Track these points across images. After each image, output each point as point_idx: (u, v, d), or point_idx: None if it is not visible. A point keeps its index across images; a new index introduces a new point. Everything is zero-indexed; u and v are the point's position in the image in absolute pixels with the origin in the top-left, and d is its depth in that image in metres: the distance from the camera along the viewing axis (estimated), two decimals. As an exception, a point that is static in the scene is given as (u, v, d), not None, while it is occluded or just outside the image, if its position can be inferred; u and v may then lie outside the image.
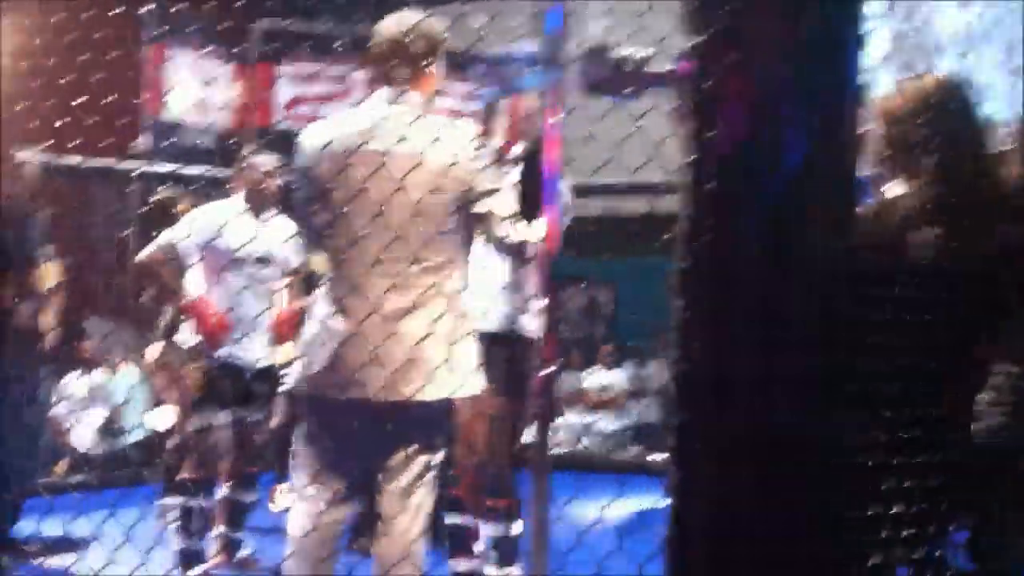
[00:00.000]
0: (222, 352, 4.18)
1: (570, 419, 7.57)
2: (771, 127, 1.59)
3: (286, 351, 4.27)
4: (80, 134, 3.96)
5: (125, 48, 3.62)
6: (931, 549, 2.15)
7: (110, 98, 2.87)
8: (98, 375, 6.35)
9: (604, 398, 7.68)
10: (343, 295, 2.58)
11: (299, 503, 2.72)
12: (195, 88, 5.79)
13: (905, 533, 1.98)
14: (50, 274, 4.23)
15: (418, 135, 2.55)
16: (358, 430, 2.59)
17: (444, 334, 2.53)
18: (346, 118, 2.75)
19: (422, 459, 2.63)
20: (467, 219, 2.65)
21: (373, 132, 2.60)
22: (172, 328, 4.78)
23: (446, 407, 2.63)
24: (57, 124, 3.25)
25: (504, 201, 2.59)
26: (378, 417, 2.57)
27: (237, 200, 4.34)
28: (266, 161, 4.32)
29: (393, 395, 2.52)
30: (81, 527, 4.37)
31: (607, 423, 7.74)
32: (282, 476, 5.74)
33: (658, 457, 7.22)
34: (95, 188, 6.57)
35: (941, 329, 2.08)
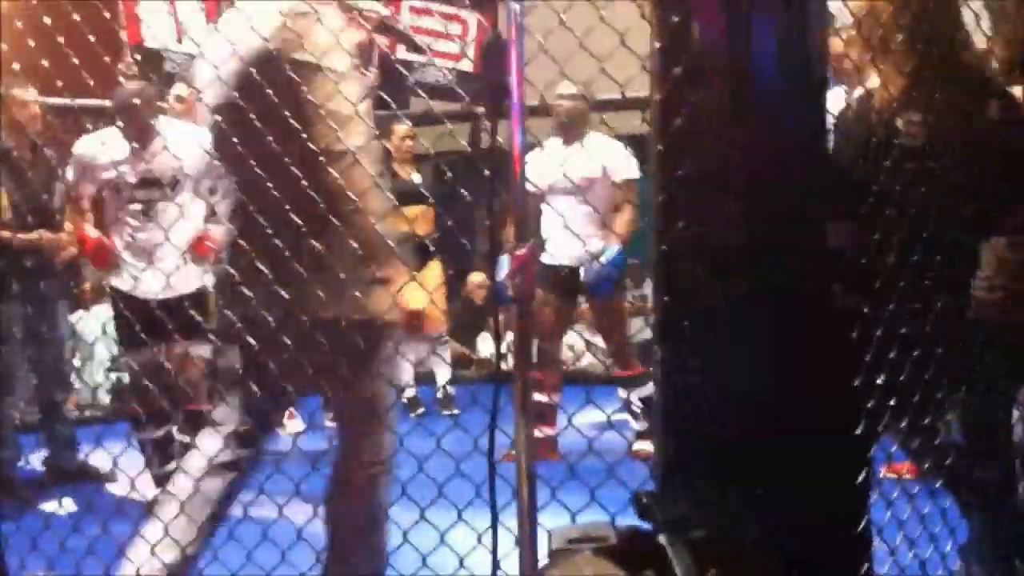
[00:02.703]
0: (119, 284, 3.93)
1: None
2: (740, 26, 1.62)
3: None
4: (66, 73, 3.92)
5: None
6: (923, 420, 2.22)
7: (91, 35, 2.82)
8: (102, 310, 6.37)
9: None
10: None
11: None
12: (172, 17, 5.69)
13: (897, 401, 2.05)
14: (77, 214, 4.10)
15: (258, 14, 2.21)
16: None
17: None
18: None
19: None
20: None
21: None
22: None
23: None
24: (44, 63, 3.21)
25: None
26: None
27: (114, 126, 4.00)
28: (132, 90, 3.92)
29: None
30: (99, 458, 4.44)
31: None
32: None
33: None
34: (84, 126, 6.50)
35: (933, 207, 2.12)
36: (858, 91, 2.34)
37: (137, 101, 3.81)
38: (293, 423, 5.61)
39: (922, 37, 2.18)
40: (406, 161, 5.79)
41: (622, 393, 4.85)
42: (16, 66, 3.63)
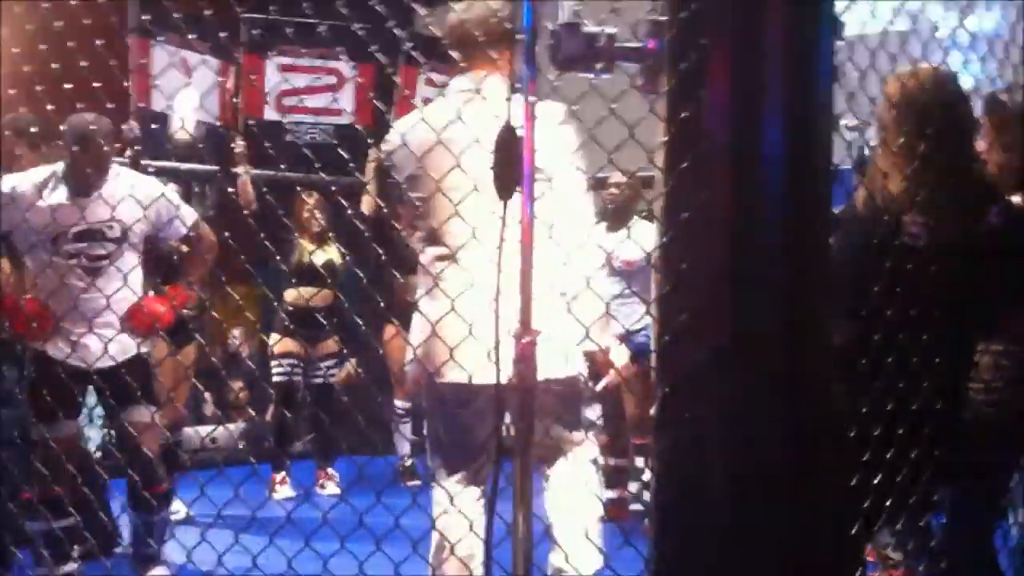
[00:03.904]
0: (52, 351, 3.39)
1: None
2: (752, 111, 1.64)
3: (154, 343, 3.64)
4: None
5: (113, 40, 3.53)
6: (916, 519, 2.22)
7: (99, 88, 2.81)
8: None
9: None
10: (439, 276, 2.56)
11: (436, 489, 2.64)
12: (183, 81, 5.72)
13: (891, 502, 2.04)
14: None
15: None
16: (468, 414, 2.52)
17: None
18: (433, 109, 2.69)
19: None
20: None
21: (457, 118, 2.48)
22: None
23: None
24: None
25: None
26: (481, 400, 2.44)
27: (54, 167, 3.47)
28: (89, 120, 3.42)
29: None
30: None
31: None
32: (279, 466, 5.64)
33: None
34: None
35: (934, 308, 2.14)
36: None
37: (92, 139, 3.35)
38: (284, 489, 5.48)
39: (924, 140, 2.21)
40: None
41: (641, 462, 4.73)
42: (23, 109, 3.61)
